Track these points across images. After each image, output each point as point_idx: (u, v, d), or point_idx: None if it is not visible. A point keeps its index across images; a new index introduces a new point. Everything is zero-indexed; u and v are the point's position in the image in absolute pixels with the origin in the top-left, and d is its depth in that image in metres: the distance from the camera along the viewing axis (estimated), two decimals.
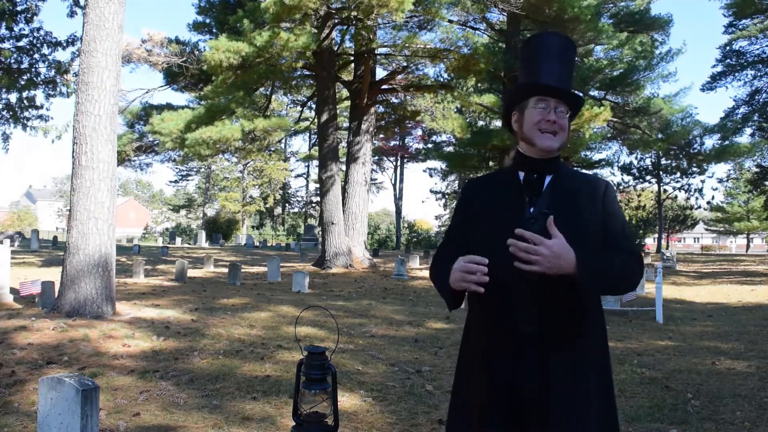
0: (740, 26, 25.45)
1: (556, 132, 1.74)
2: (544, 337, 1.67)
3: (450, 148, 33.27)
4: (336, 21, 15.92)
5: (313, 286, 11.84)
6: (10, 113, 15.68)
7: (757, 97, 26.12)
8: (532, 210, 1.74)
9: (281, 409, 4.02)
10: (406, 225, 46.39)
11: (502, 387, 1.69)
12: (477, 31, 19.18)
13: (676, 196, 39.78)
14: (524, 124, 1.79)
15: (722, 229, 48.28)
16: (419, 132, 37.95)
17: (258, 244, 36.38)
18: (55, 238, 31.31)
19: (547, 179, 1.78)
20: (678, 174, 36.82)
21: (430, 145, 38.83)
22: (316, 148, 21.04)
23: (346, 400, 4.24)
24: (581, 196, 1.76)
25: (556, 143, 1.75)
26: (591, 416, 1.70)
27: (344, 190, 17.17)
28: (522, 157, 1.82)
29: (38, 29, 15.28)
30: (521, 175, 1.80)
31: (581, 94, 1.87)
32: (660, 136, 21.21)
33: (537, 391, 1.66)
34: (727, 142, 21.96)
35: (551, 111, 1.74)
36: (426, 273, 16.00)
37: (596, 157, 32.05)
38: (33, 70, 15.44)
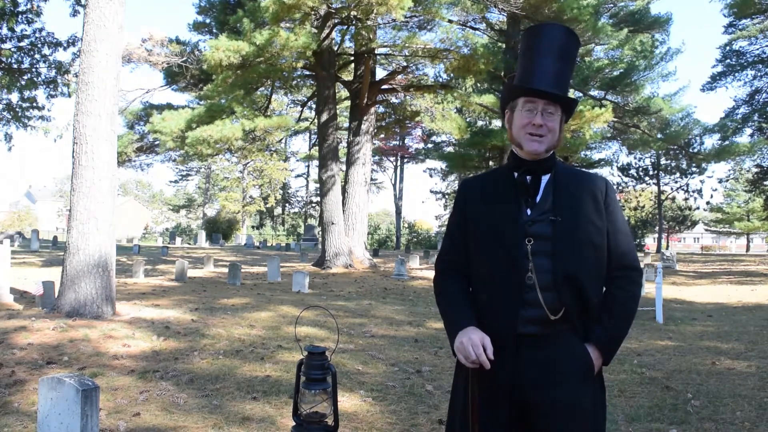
0: (740, 26, 25.47)
1: (542, 135, 1.72)
2: (541, 338, 1.67)
3: (450, 149, 33.32)
4: (336, 21, 15.91)
5: (313, 286, 11.84)
6: (11, 113, 15.68)
7: (757, 97, 26.15)
8: (529, 212, 1.73)
9: (281, 409, 4.02)
10: (406, 225, 46.40)
11: (500, 387, 1.69)
12: (477, 31, 19.17)
13: (674, 197, 39.80)
14: (513, 127, 1.78)
15: (722, 229, 48.25)
16: (419, 132, 37.92)
17: (258, 244, 36.35)
18: (55, 238, 31.29)
19: (545, 179, 1.77)
20: (677, 174, 36.87)
21: (430, 146, 38.86)
22: (316, 148, 21.03)
23: (346, 400, 4.24)
24: (583, 197, 1.75)
25: (543, 147, 1.73)
26: (589, 416, 1.70)
27: (344, 190, 17.17)
28: (516, 158, 1.80)
29: (40, 30, 15.29)
30: (516, 175, 1.78)
31: (572, 96, 1.83)
32: (660, 135, 21.22)
33: (535, 391, 1.66)
34: (726, 142, 21.97)
35: (538, 114, 1.71)
36: (426, 273, 16.00)
37: (596, 156, 32.16)
38: (34, 70, 15.45)
